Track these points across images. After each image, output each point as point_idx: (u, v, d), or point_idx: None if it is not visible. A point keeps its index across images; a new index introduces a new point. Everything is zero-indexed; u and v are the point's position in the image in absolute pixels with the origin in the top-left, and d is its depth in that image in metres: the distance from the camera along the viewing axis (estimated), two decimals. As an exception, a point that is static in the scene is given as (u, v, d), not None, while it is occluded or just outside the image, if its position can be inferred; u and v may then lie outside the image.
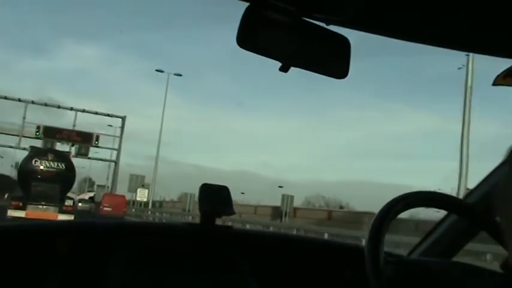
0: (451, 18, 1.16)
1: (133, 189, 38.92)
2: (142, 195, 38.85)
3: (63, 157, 21.93)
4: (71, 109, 40.20)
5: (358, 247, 1.61)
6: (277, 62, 1.14)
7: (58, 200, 20.24)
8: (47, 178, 20.21)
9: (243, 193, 37.89)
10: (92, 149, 40.30)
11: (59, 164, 20.82)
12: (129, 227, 1.66)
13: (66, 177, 20.94)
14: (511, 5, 1.09)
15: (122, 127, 41.63)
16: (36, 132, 36.69)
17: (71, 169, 21.47)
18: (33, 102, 38.02)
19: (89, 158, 39.99)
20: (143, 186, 39.25)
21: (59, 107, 39.81)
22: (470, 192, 1.72)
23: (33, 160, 20.69)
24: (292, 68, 1.14)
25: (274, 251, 1.61)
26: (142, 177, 39.64)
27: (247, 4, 1.09)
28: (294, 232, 18.12)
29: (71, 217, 18.97)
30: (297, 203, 32.57)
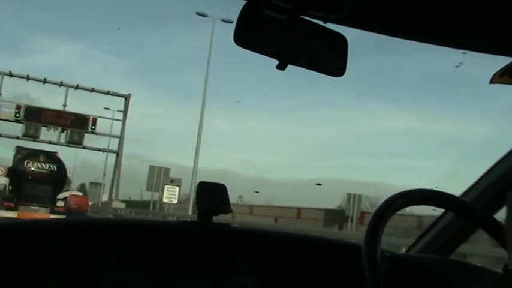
0: (448, 16, 1.17)
1: (153, 187, 27.97)
2: (171, 194, 25.99)
3: (55, 158, 22.32)
4: (61, 84, 29.46)
5: (358, 245, 1.61)
6: (270, 59, 1.14)
7: (50, 201, 20.68)
8: (39, 179, 20.67)
9: (257, 192, 31.51)
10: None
11: (51, 166, 21.33)
12: (126, 225, 1.66)
13: (57, 178, 21.44)
14: (507, 3, 1.09)
15: (126, 109, 31.67)
16: (16, 113, 27.75)
17: (62, 170, 22.00)
18: (11, 75, 28.41)
19: (84, 148, 30.83)
20: (172, 182, 26.77)
21: (45, 81, 29.18)
22: (467, 191, 1.73)
23: (25, 161, 21.05)
24: (274, 66, 1.14)
25: (272, 248, 1.61)
26: (167, 169, 28.42)
27: (244, 2, 1.09)
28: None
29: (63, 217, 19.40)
30: (311, 203, 26.54)
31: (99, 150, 32.56)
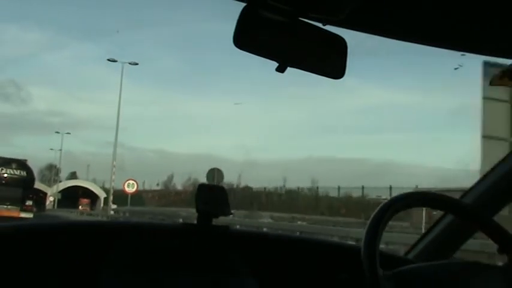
0: (448, 18, 1.17)
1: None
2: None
3: (25, 165, 26.96)
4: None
5: (356, 247, 1.61)
6: (271, 61, 1.13)
7: (20, 201, 25.42)
8: (11, 183, 25.42)
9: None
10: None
11: (21, 172, 26.22)
12: (125, 227, 1.66)
13: (26, 182, 26.20)
14: (507, 5, 1.09)
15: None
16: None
17: (30, 175, 26.91)
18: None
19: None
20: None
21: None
22: (467, 192, 1.73)
23: (0, 169, 25.66)
24: (272, 67, 1.14)
25: (271, 250, 1.61)
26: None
27: (243, 4, 1.09)
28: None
29: (31, 215, 24.57)
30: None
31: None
